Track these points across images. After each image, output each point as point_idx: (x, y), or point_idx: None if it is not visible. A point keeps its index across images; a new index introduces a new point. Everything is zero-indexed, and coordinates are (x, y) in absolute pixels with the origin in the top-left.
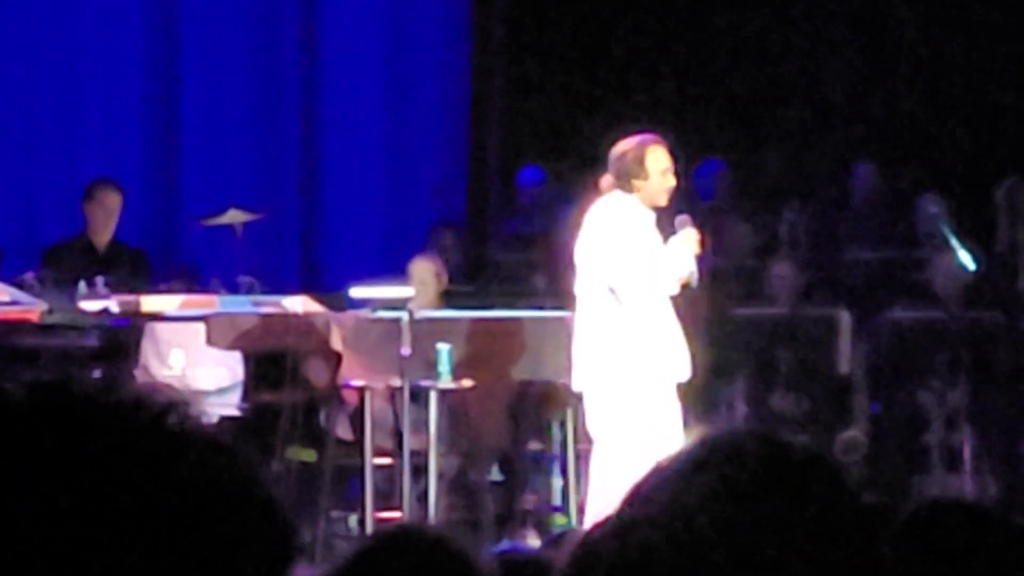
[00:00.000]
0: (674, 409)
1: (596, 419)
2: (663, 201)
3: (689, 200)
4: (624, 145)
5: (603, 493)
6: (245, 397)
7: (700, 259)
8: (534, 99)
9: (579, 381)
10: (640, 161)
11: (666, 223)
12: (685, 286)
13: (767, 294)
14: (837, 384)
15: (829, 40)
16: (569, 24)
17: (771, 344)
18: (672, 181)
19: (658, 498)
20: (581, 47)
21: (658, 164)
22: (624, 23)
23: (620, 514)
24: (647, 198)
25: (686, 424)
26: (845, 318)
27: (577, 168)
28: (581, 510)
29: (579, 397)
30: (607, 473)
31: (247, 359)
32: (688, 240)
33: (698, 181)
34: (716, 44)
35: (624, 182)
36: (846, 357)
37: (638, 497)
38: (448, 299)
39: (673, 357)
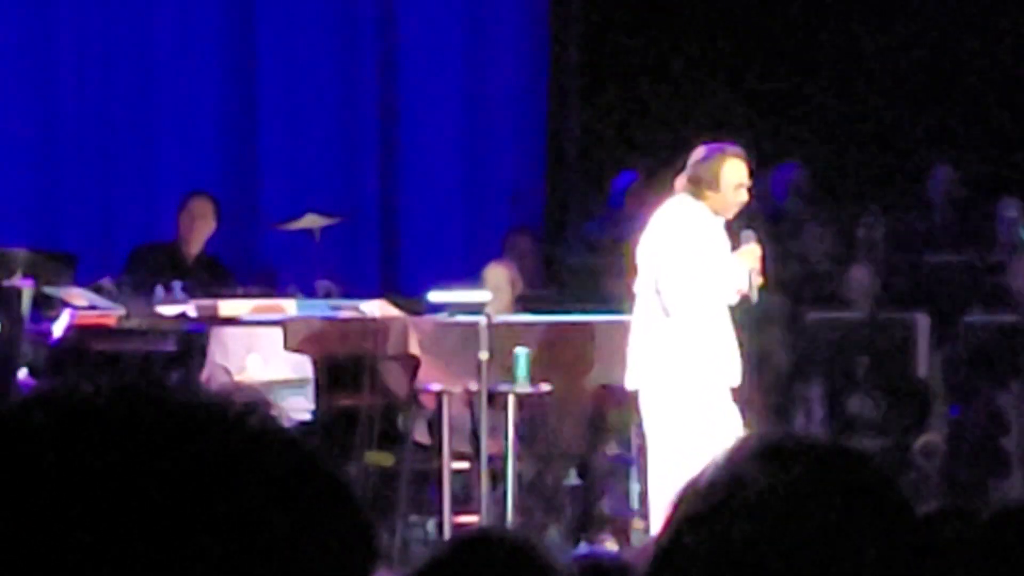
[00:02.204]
0: (731, 412)
1: (650, 418)
2: (730, 214)
3: (766, 204)
4: (703, 151)
5: (661, 493)
6: (316, 400)
7: (763, 270)
8: (612, 104)
9: (632, 380)
10: (716, 171)
11: (734, 231)
12: (745, 298)
13: (845, 298)
14: (915, 388)
15: (908, 43)
16: (646, 28)
17: (849, 348)
18: (744, 197)
19: (708, 504)
20: (658, 51)
21: (733, 177)
22: (701, 26)
23: (674, 521)
24: (715, 208)
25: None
26: (923, 322)
27: (664, 172)
28: None
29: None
30: (664, 472)
31: (315, 363)
32: (748, 256)
33: (775, 185)
34: (793, 46)
35: (696, 188)
36: (924, 361)
37: (690, 503)
38: (524, 304)
39: (725, 362)
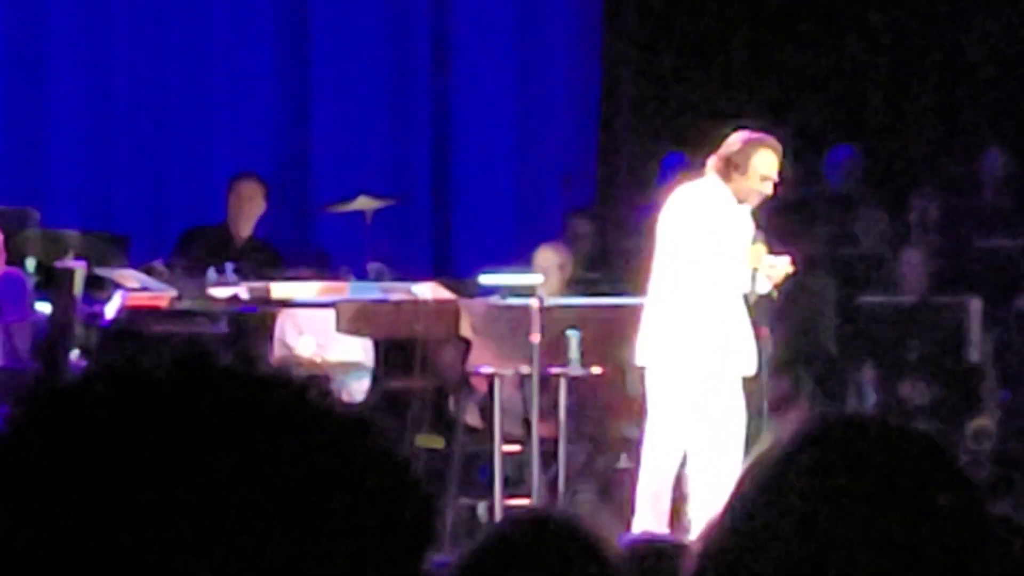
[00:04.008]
0: (737, 401)
1: (652, 396)
2: (753, 203)
3: (820, 186)
4: (740, 136)
5: (646, 472)
6: (374, 385)
7: (795, 266)
8: (665, 85)
9: (641, 356)
10: (747, 157)
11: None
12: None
13: (897, 282)
14: (967, 372)
15: (963, 25)
16: (700, 10)
17: (901, 332)
18: (768, 189)
19: (766, 485)
20: (712, 32)
21: (761, 168)
22: (755, 8)
23: (732, 503)
24: (739, 193)
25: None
26: (976, 306)
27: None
28: None
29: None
30: (650, 450)
31: (377, 347)
32: (754, 255)
33: (829, 167)
34: (848, 30)
35: (725, 170)
36: (976, 345)
37: (748, 485)
38: (576, 287)
39: (735, 350)
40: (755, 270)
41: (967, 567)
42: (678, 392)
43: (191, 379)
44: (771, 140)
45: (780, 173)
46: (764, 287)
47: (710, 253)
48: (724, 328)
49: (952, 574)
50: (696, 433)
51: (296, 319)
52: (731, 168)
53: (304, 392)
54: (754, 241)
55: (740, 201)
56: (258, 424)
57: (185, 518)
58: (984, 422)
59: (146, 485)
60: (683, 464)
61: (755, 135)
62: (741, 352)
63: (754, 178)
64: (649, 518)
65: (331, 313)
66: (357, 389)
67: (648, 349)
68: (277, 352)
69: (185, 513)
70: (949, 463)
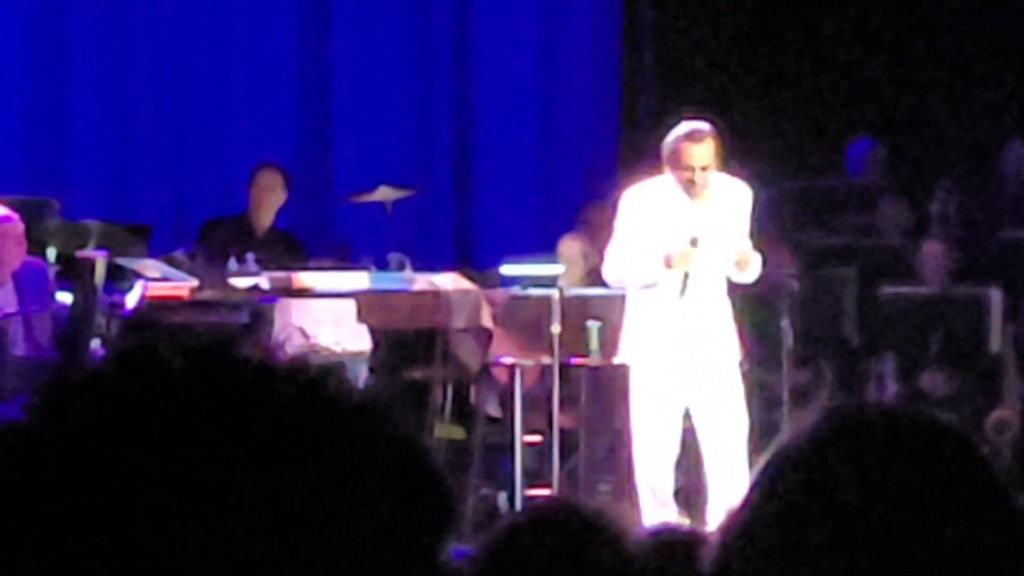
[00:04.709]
0: (728, 390)
1: (632, 390)
2: (688, 193)
3: (841, 178)
4: (672, 131)
5: (640, 469)
6: (381, 372)
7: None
8: (686, 77)
9: (620, 353)
10: (670, 150)
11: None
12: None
13: (918, 273)
14: (988, 363)
15: (983, 17)
16: (720, 2)
17: (922, 323)
18: (697, 179)
19: (789, 476)
20: (732, 25)
21: (680, 159)
22: (774, 1)
23: (753, 494)
24: (680, 184)
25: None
26: (996, 297)
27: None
28: None
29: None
30: (641, 447)
31: (374, 335)
32: (680, 259)
33: (850, 159)
34: (866, 21)
35: (666, 165)
36: (997, 336)
37: (769, 476)
38: (598, 277)
39: (709, 343)
40: (686, 275)
41: (994, 559)
42: (657, 388)
43: (208, 369)
44: (690, 131)
45: (718, 159)
46: (742, 278)
47: (620, 247)
48: (693, 321)
49: (979, 566)
50: (703, 428)
51: (308, 309)
52: (665, 162)
53: (323, 381)
54: (692, 243)
55: (688, 192)
56: (276, 413)
57: (202, 506)
58: (1005, 413)
59: (163, 475)
60: (699, 456)
61: (679, 128)
62: (716, 344)
63: (677, 169)
64: (654, 509)
65: (346, 303)
66: (356, 376)
67: (624, 346)
68: (292, 337)
69: (202, 501)
70: (978, 455)
